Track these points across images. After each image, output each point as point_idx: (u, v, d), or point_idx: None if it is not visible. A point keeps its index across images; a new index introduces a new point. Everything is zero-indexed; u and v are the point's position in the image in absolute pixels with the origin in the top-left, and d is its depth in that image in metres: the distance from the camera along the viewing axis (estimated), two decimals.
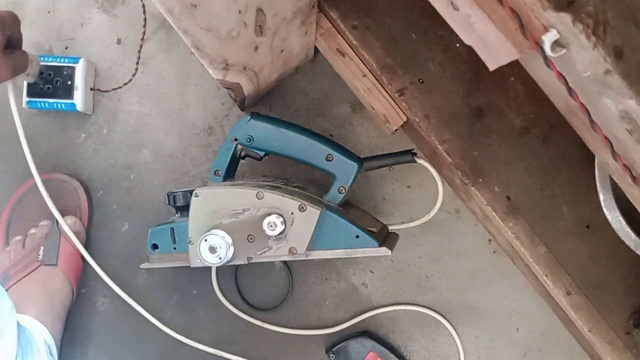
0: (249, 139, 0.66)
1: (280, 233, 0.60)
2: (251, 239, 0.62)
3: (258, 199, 0.61)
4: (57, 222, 0.74)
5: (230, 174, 0.68)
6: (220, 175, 0.67)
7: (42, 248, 0.73)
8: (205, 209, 0.62)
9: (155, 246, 0.68)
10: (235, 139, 0.66)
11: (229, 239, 0.61)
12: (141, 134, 0.79)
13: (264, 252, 0.62)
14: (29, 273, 0.72)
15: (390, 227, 0.73)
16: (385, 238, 0.66)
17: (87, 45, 0.78)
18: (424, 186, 0.79)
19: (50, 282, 0.72)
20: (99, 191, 0.79)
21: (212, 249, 0.61)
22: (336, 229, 0.61)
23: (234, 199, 0.61)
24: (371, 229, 0.65)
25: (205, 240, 0.61)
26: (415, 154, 0.70)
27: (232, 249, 0.61)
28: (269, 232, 0.60)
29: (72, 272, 0.74)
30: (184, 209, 0.67)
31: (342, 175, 0.64)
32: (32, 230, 0.75)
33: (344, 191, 0.64)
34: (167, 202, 0.68)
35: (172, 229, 0.66)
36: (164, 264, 0.68)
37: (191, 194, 0.63)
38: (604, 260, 0.68)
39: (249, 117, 0.65)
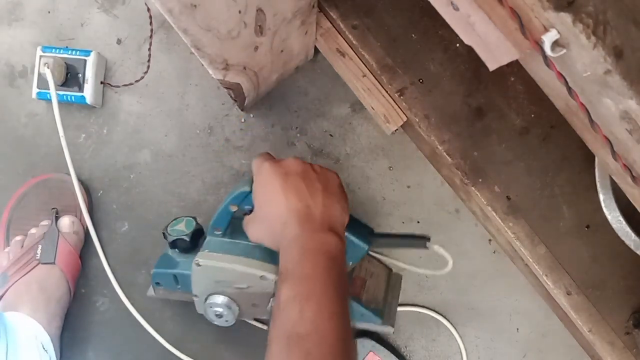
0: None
1: None
2: (256, 305, 0.63)
3: (262, 280, 0.60)
4: (55, 221, 0.74)
5: (229, 229, 0.65)
6: (220, 231, 0.64)
7: (39, 247, 0.73)
8: (208, 278, 0.63)
9: (158, 284, 0.70)
10: (235, 206, 0.61)
11: (235, 308, 0.63)
12: (141, 134, 0.79)
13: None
14: (27, 272, 0.72)
15: (391, 231, 0.73)
16: (389, 311, 0.70)
17: (87, 45, 0.78)
18: (424, 186, 0.79)
19: (46, 280, 0.72)
20: (99, 191, 0.79)
21: (218, 315, 0.64)
22: None
23: (237, 277, 0.61)
24: (376, 305, 0.68)
25: (211, 307, 0.63)
26: (429, 240, 0.62)
27: (237, 313, 0.64)
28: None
29: (70, 270, 0.74)
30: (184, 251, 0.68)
31: (350, 254, 0.57)
32: (33, 230, 0.75)
33: (348, 268, 0.64)
34: (164, 238, 0.68)
35: (175, 275, 0.67)
36: (169, 297, 0.70)
37: (188, 238, 0.65)
38: (604, 260, 0.68)
39: (248, 190, 0.59)
